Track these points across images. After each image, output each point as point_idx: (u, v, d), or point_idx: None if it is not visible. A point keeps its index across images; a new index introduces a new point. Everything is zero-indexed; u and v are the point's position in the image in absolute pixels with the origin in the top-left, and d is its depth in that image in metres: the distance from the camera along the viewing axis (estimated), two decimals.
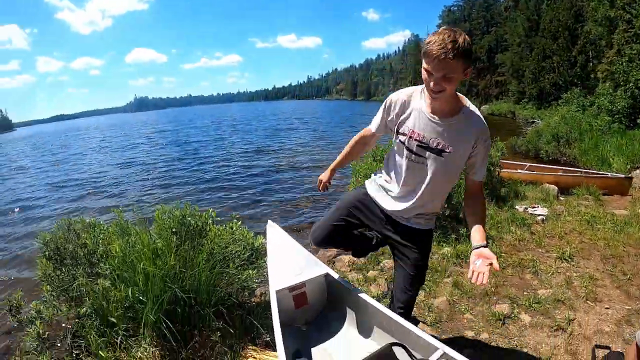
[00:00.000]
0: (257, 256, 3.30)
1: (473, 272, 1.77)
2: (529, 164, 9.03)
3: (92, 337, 2.76)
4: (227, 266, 3.03)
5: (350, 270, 4.24)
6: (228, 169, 15.50)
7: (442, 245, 4.34)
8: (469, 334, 3.09)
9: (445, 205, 4.55)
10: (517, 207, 5.97)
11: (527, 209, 5.84)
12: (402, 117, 2.06)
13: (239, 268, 3.08)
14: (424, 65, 1.75)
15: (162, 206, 3.35)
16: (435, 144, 1.96)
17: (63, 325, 3.34)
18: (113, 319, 2.78)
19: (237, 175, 13.91)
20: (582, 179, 7.42)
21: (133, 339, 2.77)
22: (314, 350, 2.44)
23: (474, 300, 3.46)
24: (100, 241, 3.46)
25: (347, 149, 2.46)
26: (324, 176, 2.63)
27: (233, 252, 3.15)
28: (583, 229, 5.02)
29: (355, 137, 2.41)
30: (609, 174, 7.61)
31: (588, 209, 5.91)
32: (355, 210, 2.37)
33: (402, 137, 2.05)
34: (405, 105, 2.06)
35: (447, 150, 1.94)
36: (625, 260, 4.01)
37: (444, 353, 2.00)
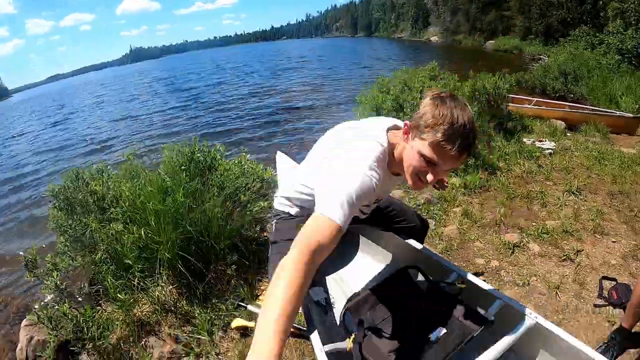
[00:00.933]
0: (267, 187, 3.30)
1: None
2: (536, 99, 8.87)
3: (109, 281, 2.81)
4: (238, 199, 3.04)
5: None
6: (232, 112, 15.01)
7: (450, 176, 4.34)
8: (480, 261, 3.16)
9: None
10: (524, 140, 5.92)
11: (534, 142, 5.80)
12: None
13: (250, 200, 3.09)
14: (428, 152, 1.30)
15: (170, 144, 3.33)
16: (388, 193, 1.85)
17: (80, 274, 3.43)
18: (128, 261, 2.83)
19: (243, 119, 13.50)
20: (590, 116, 7.30)
21: (150, 279, 2.84)
22: (328, 279, 2.48)
23: (484, 229, 3.50)
24: (110, 186, 3.48)
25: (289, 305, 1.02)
26: None
27: (243, 184, 3.15)
28: (591, 164, 4.99)
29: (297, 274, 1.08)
30: (617, 112, 7.47)
31: (596, 145, 5.85)
32: None
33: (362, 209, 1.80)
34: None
35: None
36: (632, 197, 4.01)
37: (459, 275, 2.04)
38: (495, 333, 1.85)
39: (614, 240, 3.32)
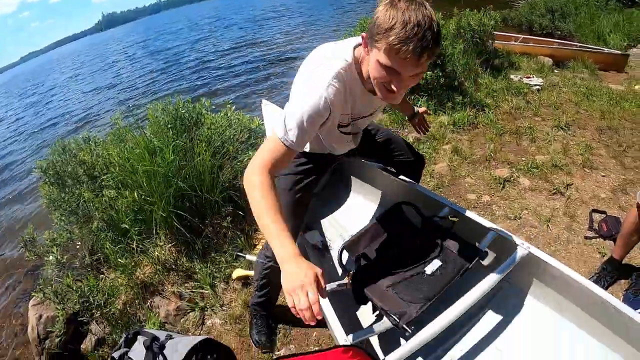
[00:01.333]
0: (255, 137, 3.31)
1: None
2: (522, 36, 8.73)
3: (108, 247, 2.84)
4: (227, 151, 3.04)
5: None
6: (214, 68, 14.46)
7: (439, 114, 4.34)
8: (471, 197, 3.21)
9: (440, 74, 4.46)
10: (512, 77, 5.88)
11: (522, 78, 5.76)
12: (340, 116, 1.60)
13: (239, 151, 3.10)
14: (384, 60, 1.21)
15: (155, 103, 3.30)
16: (370, 111, 1.73)
17: (79, 246, 3.45)
18: (125, 226, 2.86)
19: (225, 74, 13.04)
20: (578, 53, 7.22)
21: (148, 241, 2.87)
22: (323, 222, 2.52)
23: (474, 165, 3.54)
24: (99, 153, 3.46)
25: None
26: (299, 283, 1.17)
27: (231, 136, 3.15)
28: (579, 100, 4.99)
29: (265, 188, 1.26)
30: (606, 49, 7.41)
31: (584, 81, 5.83)
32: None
33: (342, 129, 1.69)
34: (345, 100, 1.50)
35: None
36: (621, 132, 4.03)
37: (451, 209, 2.07)
38: (489, 264, 1.91)
39: (603, 174, 3.37)
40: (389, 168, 2.36)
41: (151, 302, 2.67)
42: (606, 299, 1.62)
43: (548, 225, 2.85)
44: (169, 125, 3.10)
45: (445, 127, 4.09)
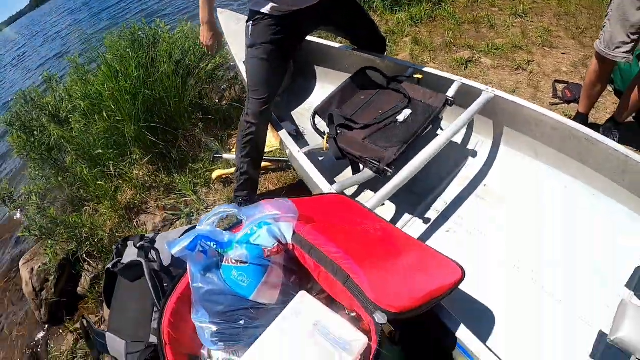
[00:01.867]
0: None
1: None
2: None
3: (85, 173, 2.82)
4: (190, 62, 3.03)
5: None
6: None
7: (396, 12, 4.30)
8: None
9: None
10: None
11: None
12: None
13: (201, 60, 3.08)
14: None
15: (111, 31, 3.22)
16: None
17: (57, 195, 3.40)
18: (99, 151, 2.83)
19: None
20: None
21: (124, 163, 2.85)
22: (294, 113, 2.55)
23: (435, 52, 3.58)
24: (61, 95, 3.39)
25: None
26: (204, 36, 2.08)
27: (190, 47, 3.12)
28: None
29: None
30: None
31: None
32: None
33: None
34: None
35: None
36: (578, 17, 4.06)
37: (415, 69, 2.12)
38: (457, 113, 1.97)
39: (563, 52, 3.44)
40: (352, 47, 2.38)
41: (137, 221, 2.70)
42: (577, 128, 1.70)
43: (513, 95, 2.94)
44: (128, 49, 3.03)
45: (403, 22, 4.09)
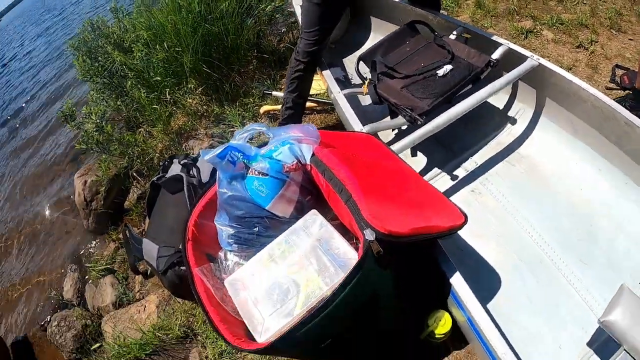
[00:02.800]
0: None
1: None
2: None
3: (142, 96, 3.03)
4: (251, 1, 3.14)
5: None
6: None
7: None
8: None
9: None
10: None
11: None
12: None
13: (260, 2, 3.18)
14: None
15: None
16: None
17: (115, 118, 3.65)
18: (157, 78, 3.02)
19: None
20: None
21: (179, 92, 3.04)
22: (345, 61, 2.62)
23: (497, 18, 3.48)
24: (126, 26, 3.58)
25: None
26: None
27: None
28: None
29: None
30: None
31: None
32: None
33: None
34: None
35: None
36: None
37: (465, 28, 2.12)
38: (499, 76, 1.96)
39: (630, 38, 3.25)
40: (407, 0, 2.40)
41: (185, 145, 2.89)
42: (618, 110, 1.64)
43: (569, 72, 2.85)
44: None
45: None
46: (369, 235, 0.97)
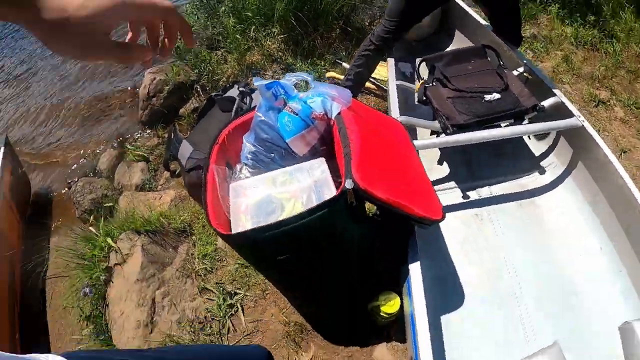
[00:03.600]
0: None
1: None
2: None
3: (229, 24, 3.29)
4: None
5: None
6: None
7: (566, 23, 4.16)
8: None
9: None
10: None
11: None
12: None
13: None
14: None
15: None
16: None
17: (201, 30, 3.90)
18: (248, 13, 3.27)
19: None
20: None
21: (264, 32, 3.28)
22: (418, 60, 2.78)
23: (578, 78, 3.49)
24: None
25: None
26: None
27: None
28: None
29: None
30: None
31: None
32: None
33: None
34: None
35: None
36: None
37: (530, 68, 2.23)
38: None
39: None
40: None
41: (251, 79, 3.13)
42: (636, 197, 1.65)
43: (620, 155, 2.86)
44: None
45: (566, 37, 3.97)
46: (349, 184, 1.16)
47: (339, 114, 1.43)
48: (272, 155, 1.52)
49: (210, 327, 1.98)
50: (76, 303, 2.28)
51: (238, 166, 1.63)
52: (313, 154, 1.51)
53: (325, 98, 1.46)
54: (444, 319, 1.71)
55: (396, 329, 1.78)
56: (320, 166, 1.43)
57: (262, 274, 1.82)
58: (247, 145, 1.55)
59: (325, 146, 1.53)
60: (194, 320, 2.00)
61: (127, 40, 0.58)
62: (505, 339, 1.67)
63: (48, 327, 2.46)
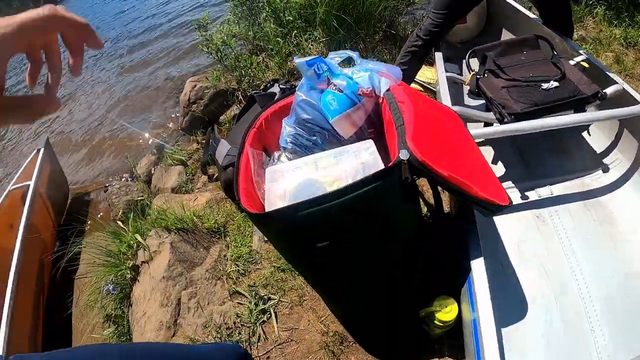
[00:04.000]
0: None
1: None
2: None
3: (270, 28, 3.25)
4: None
5: None
6: None
7: (614, 26, 3.95)
8: None
9: None
10: None
11: None
12: None
13: None
14: None
15: None
16: None
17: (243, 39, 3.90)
18: (289, 17, 3.22)
19: None
20: None
21: (305, 36, 3.22)
22: (464, 61, 2.65)
23: (632, 78, 3.24)
24: None
25: None
26: None
27: None
28: None
29: None
30: None
31: None
32: None
33: None
34: None
35: None
36: None
37: (588, 59, 2.05)
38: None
39: None
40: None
41: (291, 85, 3.06)
42: None
43: None
44: None
45: (615, 38, 3.74)
46: (404, 155, 1.00)
47: (388, 90, 1.30)
48: (314, 137, 1.39)
49: (239, 333, 1.83)
50: (99, 302, 2.20)
51: (276, 153, 1.51)
52: (359, 137, 1.37)
53: (373, 73, 1.33)
54: (505, 331, 1.51)
55: (449, 343, 1.57)
56: (368, 148, 1.28)
57: (294, 267, 1.67)
58: (287, 127, 1.43)
59: (374, 128, 1.39)
60: (221, 325, 1.85)
61: (27, 75, 0.48)
62: (573, 355, 1.47)
63: (72, 325, 2.42)
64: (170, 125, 3.88)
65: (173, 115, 4.00)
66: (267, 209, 1.19)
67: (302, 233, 1.10)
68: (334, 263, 1.22)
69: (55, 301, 2.60)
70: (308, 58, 1.36)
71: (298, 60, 1.37)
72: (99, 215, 3.10)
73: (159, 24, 8.50)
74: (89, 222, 3.11)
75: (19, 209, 2.72)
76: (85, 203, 3.35)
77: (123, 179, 3.32)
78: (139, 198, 2.86)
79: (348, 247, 1.15)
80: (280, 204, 1.18)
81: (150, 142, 3.74)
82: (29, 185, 2.87)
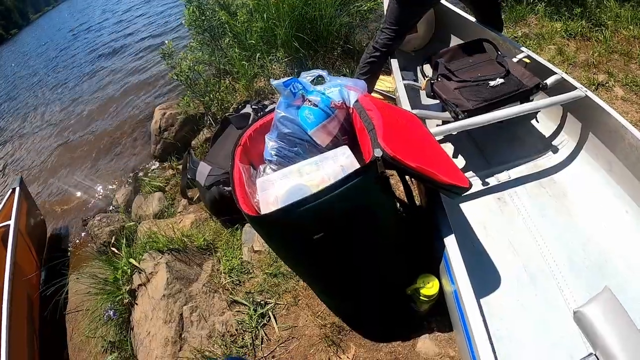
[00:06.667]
0: None
1: None
2: None
3: (235, 52, 3.42)
4: None
5: None
6: None
7: (554, 20, 4.27)
8: None
9: None
10: None
11: None
12: None
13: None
14: None
15: None
16: None
17: (206, 70, 4.03)
18: (252, 41, 3.40)
19: None
20: None
21: (268, 58, 3.40)
22: (419, 68, 2.87)
23: (574, 67, 3.55)
24: None
25: None
26: None
27: None
28: None
29: None
30: None
31: None
32: None
33: None
34: None
35: None
36: None
37: (528, 55, 2.31)
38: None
39: None
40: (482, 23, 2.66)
41: (262, 105, 3.23)
42: None
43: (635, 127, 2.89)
44: None
45: (556, 32, 4.07)
46: (378, 152, 1.19)
47: (356, 101, 1.49)
48: (296, 149, 1.57)
49: (243, 338, 1.96)
50: (99, 331, 2.28)
51: (261, 167, 1.68)
52: (335, 145, 1.56)
53: (342, 87, 1.52)
54: (483, 301, 1.69)
55: (437, 320, 1.76)
56: (345, 152, 1.46)
57: (292, 267, 1.80)
58: (270, 142, 1.60)
59: (347, 135, 1.58)
60: (224, 333, 1.97)
61: None
62: (546, 312, 1.66)
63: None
64: (142, 154, 3.96)
65: (144, 144, 4.08)
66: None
67: (299, 229, 1.27)
68: (330, 252, 1.38)
69: (48, 340, 2.64)
70: (284, 79, 1.54)
71: (275, 82, 1.54)
72: (83, 249, 3.14)
73: (117, 50, 8.71)
74: (72, 258, 3.15)
75: (1, 251, 2.75)
76: (66, 239, 3.39)
77: (102, 212, 3.37)
78: (127, 225, 2.93)
79: (340, 236, 1.32)
80: (274, 209, 1.35)
81: (124, 173, 3.81)
82: (9, 225, 2.88)
